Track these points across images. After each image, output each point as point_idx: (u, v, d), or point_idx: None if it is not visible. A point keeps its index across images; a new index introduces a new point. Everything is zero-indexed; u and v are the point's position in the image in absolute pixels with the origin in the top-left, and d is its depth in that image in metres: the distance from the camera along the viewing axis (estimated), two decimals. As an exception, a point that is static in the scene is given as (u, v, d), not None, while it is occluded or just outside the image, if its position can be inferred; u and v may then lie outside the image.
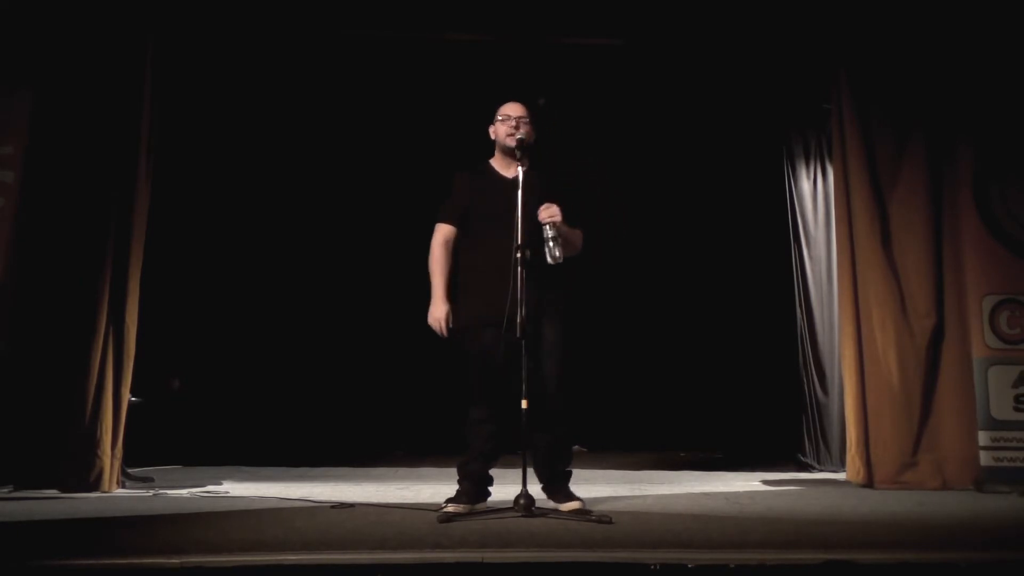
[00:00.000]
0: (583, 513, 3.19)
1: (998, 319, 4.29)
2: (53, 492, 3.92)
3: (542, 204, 3.27)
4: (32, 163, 4.18)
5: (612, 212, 6.26)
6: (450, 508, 3.21)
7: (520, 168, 3.28)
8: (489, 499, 3.40)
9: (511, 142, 3.38)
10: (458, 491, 3.33)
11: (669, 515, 3.31)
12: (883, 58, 4.61)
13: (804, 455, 5.47)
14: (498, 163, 3.52)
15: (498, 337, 3.23)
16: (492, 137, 3.53)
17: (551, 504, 3.31)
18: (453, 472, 3.39)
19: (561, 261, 3.25)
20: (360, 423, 6.13)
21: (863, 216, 4.50)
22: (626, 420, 6.27)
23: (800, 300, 5.62)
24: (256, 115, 5.87)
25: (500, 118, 3.48)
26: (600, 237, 6.02)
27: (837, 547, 2.63)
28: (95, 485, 3.98)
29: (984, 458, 4.18)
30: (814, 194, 5.64)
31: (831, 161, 5.17)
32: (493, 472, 3.41)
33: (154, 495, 3.97)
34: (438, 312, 3.35)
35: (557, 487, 3.37)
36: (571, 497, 3.32)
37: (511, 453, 3.27)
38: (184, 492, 4.02)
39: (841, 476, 4.84)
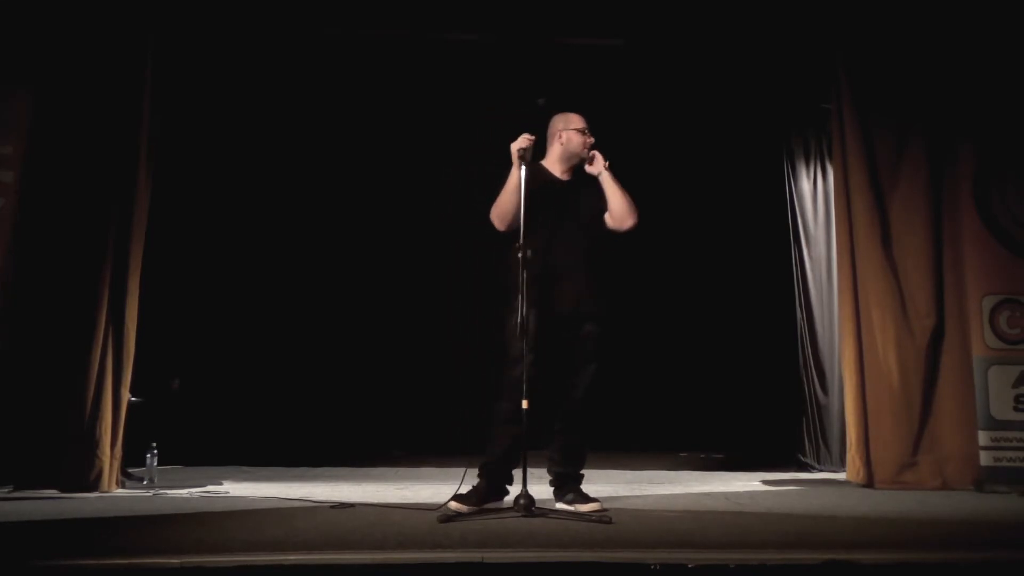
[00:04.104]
0: (583, 513, 3.19)
1: (998, 319, 4.29)
2: (53, 492, 3.91)
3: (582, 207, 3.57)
4: (32, 163, 4.17)
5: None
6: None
7: (522, 168, 3.33)
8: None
9: (584, 153, 3.60)
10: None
11: (669, 515, 3.31)
12: (883, 58, 4.61)
13: (804, 455, 5.47)
14: (554, 166, 3.64)
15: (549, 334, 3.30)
16: (559, 141, 3.62)
17: (560, 505, 3.33)
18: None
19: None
20: (360, 423, 6.12)
21: (863, 216, 4.50)
22: (626, 421, 6.26)
23: (800, 300, 5.63)
24: (257, 115, 5.86)
25: (575, 127, 3.63)
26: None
27: (837, 547, 2.63)
28: (95, 485, 3.98)
29: (984, 458, 4.18)
30: (814, 194, 5.65)
31: (831, 161, 5.17)
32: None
33: (154, 495, 3.97)
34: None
35: (574, 489, 3.39)
36: (588, 499, 3.34)
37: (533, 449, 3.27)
38: (184, 492, 4.01)
39: (841, 476, 4.83)
